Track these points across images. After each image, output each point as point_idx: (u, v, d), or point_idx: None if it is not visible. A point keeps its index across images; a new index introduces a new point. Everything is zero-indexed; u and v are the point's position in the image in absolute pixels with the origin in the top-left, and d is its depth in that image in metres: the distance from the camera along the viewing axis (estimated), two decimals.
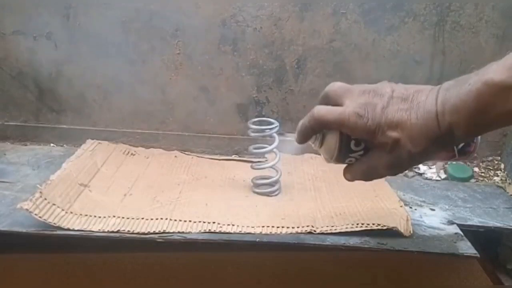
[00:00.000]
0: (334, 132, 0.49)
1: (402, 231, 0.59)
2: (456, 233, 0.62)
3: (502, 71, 0.39)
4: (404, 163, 0.46)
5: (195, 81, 0.83)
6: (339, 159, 0.51)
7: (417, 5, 0.77)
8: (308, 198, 0.70)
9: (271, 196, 0.70)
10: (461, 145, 0.50)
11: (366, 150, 0.49)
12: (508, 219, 0.67)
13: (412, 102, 0.45)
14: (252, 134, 0.69)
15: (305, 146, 0.54)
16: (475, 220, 0.66)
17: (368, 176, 0.50)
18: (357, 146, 0.49)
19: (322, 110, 0.48)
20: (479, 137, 0.50)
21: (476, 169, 0.84)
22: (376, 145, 0.47)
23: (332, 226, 0.61)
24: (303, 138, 0.51)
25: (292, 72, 0.82)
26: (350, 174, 0.51)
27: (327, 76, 0.82)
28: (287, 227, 0.61)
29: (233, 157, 0.85)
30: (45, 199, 0.59)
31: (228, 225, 0.60)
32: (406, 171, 0.48)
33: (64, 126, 0.86)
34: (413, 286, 0.60)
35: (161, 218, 0.61)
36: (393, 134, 0.45)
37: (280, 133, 0.69)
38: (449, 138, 0.43)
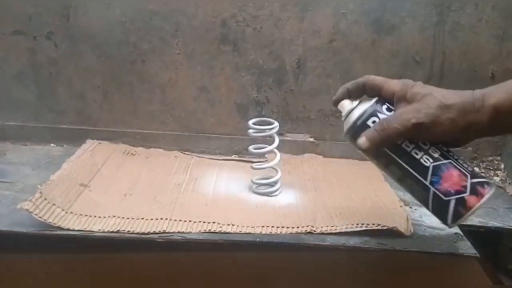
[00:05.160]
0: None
1: (402, 231, 0.59)
2: (456, 233, 0.62)
3: None
4: (431, 112, 0.47)
5: (195, 81, 0.83)
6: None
7: (417, 5, 0.77)
8: (308, 198, 0.70)
9: (271, 196, 0.70)
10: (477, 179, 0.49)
11: None
12: (508, 219, 0.67)
13: None
14: (252, 134, 0.69)
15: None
16: (475, 220, 0.66)
17: (389, 126, 0.48)
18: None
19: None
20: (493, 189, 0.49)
21: (476, 169, 0.84)
22: (406, 101, 0.49)
23: (332, 226, 0.61)
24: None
25: (292, 72, 0.82)
26: (366, 135, 0.50)
27: (327, 76, 0.82)
28: (287, 227, 0.61)
29: (233, 157, 0.85)
30: (45, 199, 0.59)
31: (228, 225, 0.60)
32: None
33: (64, 126, 0.86)
34: (413, 286, 0.60)
35: (161, 218, 0.61)
36: (426, 89, 0.48)
37: (280, 133, 0.69)
38: (479, 109, 0.46)
